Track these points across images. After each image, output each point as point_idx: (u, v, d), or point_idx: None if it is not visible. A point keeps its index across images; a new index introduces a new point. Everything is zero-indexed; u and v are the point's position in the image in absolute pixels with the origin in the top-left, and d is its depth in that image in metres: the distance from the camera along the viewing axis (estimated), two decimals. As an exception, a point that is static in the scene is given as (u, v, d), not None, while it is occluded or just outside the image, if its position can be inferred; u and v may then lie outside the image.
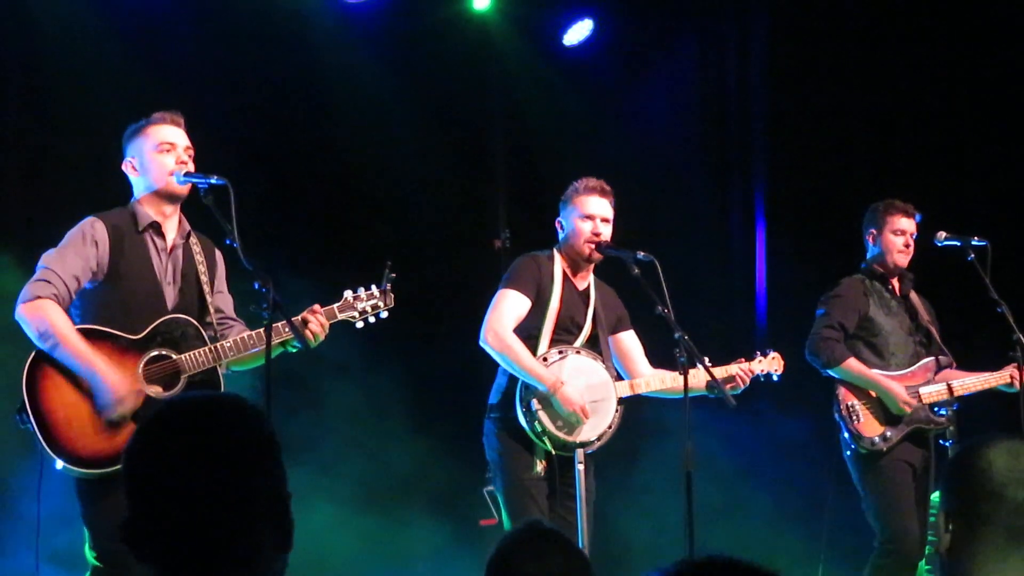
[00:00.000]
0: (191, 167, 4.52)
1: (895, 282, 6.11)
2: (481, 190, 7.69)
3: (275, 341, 4.40)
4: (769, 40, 8.26)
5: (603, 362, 5.40)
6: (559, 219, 5.48)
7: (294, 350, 4.51)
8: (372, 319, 4.74)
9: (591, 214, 5.40)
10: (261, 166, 6.64)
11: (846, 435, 5.89)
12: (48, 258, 4.40)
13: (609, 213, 5.44)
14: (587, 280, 5.52)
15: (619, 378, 5.48)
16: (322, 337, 4.58)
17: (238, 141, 6.60)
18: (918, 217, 6.05)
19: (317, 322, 4.53)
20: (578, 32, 7.79)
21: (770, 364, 5.67)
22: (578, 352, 5.34)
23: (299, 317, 4.50)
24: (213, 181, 4.46)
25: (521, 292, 5.32)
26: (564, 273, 5.44)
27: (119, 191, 4.63)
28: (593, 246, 5.38)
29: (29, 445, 4.35)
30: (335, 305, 4.65)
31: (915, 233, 6.05)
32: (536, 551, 2.78)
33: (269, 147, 6.88)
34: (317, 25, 7.04)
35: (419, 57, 7.37)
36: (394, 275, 4.74)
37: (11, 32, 6.21)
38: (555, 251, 5.50)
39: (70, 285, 4.35)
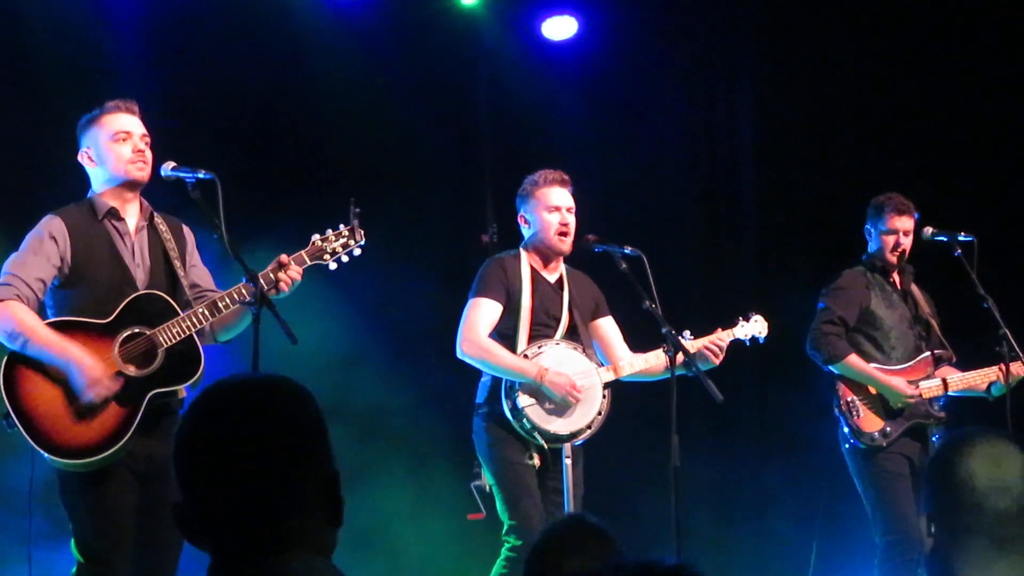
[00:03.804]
0: (148, 155, 4.48)
1: (896, 275, 6.12)
2: (469, 185, 7.68)
3: (249, 300, 4.37)
4: (755, 29, 8.26)
5: (583, 351, 5.42)
6: (522, 215, 5.48)
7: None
8: (345, 258, 4.66)
9: (556, 205, 5.41)
10: (247, 160, 6.63)
11: (846, 430, 5.89)
12: (10, 263, 4.39)
13: (572, 203, 5.46)
14: (558, 271, 5.52)
15: (601, 364, 5.47)
16: (295, 287, 4.48)
17: (224, 134, 6.59)
18: (916, 216, 6.04)
19: (286, 277, 4.44)
20: (561, 27, 7.78)
21: (753, 327, 5.64)
22: (557, 344, 5.36)
23: (267, 272, 4.43)
24: (200, 175, 4.45)
25: (490, 298, 5.33)
26: (532, 269, 5.44)
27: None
28: (564, 237, 5.40)
29: (19, 448, 4.35)
30: (303, 251, 4.58)
31: (910, 231, 6.04)
32: (579, 546, 2.74)
33: (255, 141, 6.86)
34: (305, 19, 7.03)
35: (407, 52, 7.36)
36: (358, 210, 4.66)
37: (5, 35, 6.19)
38: (521, 249, 5.50)
39: (34, 286, 4.34)
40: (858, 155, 7.96)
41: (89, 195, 4.53)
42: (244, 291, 4.39)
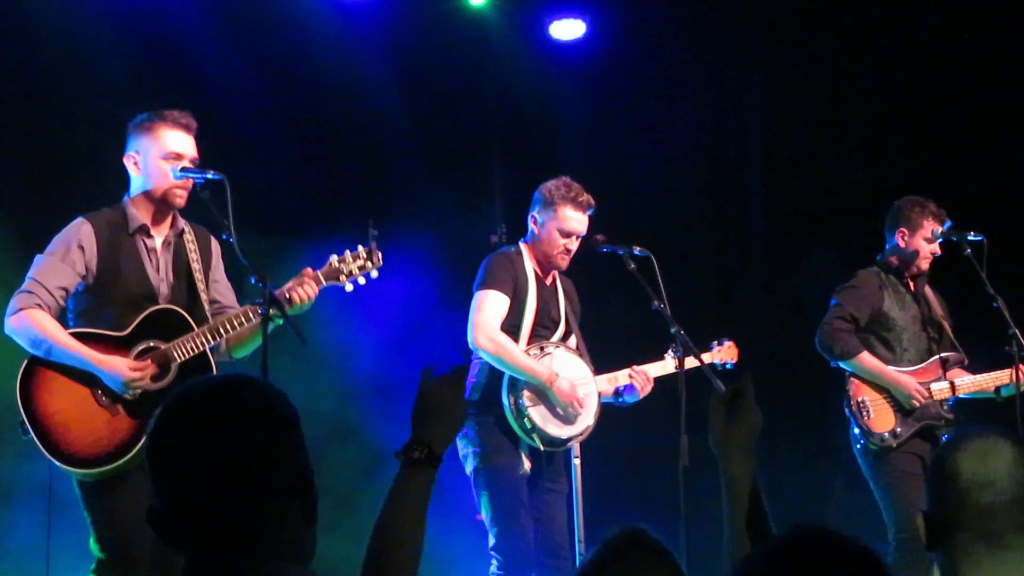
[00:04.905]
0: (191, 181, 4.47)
1: (911, 277, 6.12)
2: (477, 186, 7.68)
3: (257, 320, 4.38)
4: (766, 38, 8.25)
5: (581, 356, 5.44)
6: (534, 215, 5.45)
7: (280, 322, 4.45)
8: (361, 280, 4.67)
9: (571, 231, 5.39)
10: (255, 160, 6.63)
11: (856, 431, 5.89)
12: (34, 268, 4.41)
13: (586, 229, 5.43)
14: (552, 274, 5.54)
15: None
16: (307, 305, 4.52)
17: (234, 133, 6.59)
18: (948, 224, 6.04)
19: (302, 293, 4.47)
20: (569, 28, 7.78)
21: (726, 353, 5.77)
22: (557, 347, 5.38)
23: (283, 289, 4.45)
24: (209, 176, 4.44)
25: (501, 291, 5.32)
26: (534, 269, 5.44)
27: (115, 195, 4.62)
28: (564, 260, 5.42)
29: (37, 460, 4.37)
30: (320, 271, 4.59)
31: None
32: (636, 563, 2.68)
33: (263, 141, 6.86)
34: (314, 20, 7.03)
35: (416, 53, 7.36)
36: (376, 232, 4.67)
37: (6, 27, 6.18)
38: (522, 245, 5.50)
39: (56, 294, 4.36)
40: (868, 156, 7.95)
41: (125, 199, 4.53)
42: (255, 312, 4.40)
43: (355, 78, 7.16)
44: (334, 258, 4.64)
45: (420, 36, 7.39)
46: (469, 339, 5.30)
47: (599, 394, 5.42)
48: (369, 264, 4.67)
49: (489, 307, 5.30)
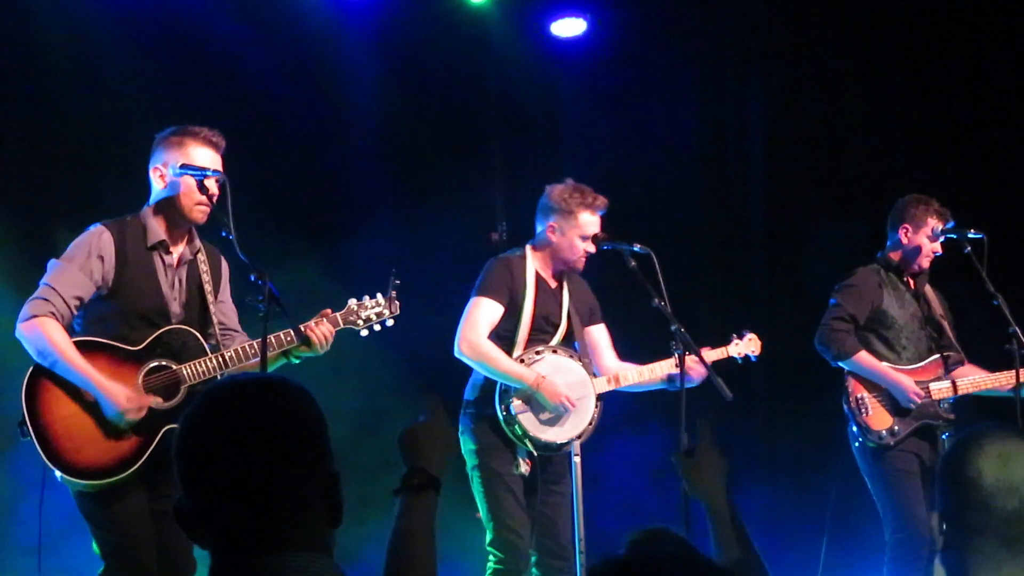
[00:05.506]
0: (214, 190, 4.46)
1: (911, 275, 6.11)
2: (478, 184, 7.68)
3: (277, 351, 4.41)
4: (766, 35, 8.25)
5: (579, 360, 5.42)
6: (551, 224, 5.41)
7: (297, 361, 4.51)
8: (377, 327, 4.75)
9: (592, 235, 5.39)
10: (256, 161, 6.62)
11: (854, 428, 5.89)
12: (51, 274, 4.39)
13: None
14: (560, 276, 5.52)
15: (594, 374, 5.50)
16: (326, 347, 4.56)
17: (233, 135, 6.58)
18: (951, 223, 6.03)
19: (319, 334, 4.51)
20: (570, 25, 7.78)
21: (747, 346, 5.72)
22: (554, 351, 5.38)
23: (301, 327, 4.49)
24: (209, 173, 4.45)
25: (493, 299, 5.33)
26: (537, 273, 5.43)
27: (124, 197, 4.61)
28: (583, 262, 5.43)
29: (32, 457, 4.36)
30: (338, 313, 4.65)
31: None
32: (664, 561, 2.68)
33: (263, 142, 6.85)
34: (314, 18, 7.03)
35: (416, 50, 7.36)
36: (398, 282, 4.74)
37: (10, 34, 6.18)
38: (528, 249, 5.48)
39: (70, 303, 4.35)
40: (869, 153, 7.95)
41: (144, 209, 4.51)
42: (273, 341, 4.41)
43: (355, 77, 7.15)
44: (353, 302, 4.72)
45: (421, 34, 7.38)
46: (455, 347, 5.31)
47: (597, 397, 5.40)
48: (386, 312, 4.77)
49: (477, 315, 5.31)
